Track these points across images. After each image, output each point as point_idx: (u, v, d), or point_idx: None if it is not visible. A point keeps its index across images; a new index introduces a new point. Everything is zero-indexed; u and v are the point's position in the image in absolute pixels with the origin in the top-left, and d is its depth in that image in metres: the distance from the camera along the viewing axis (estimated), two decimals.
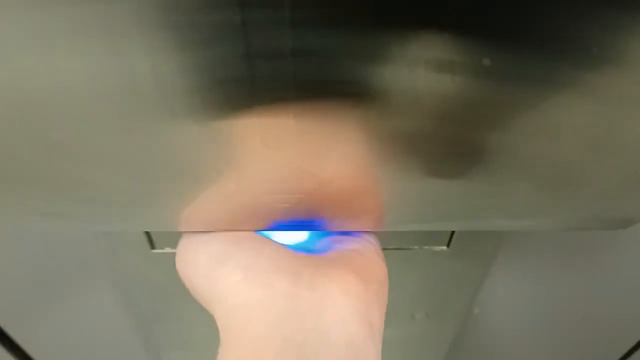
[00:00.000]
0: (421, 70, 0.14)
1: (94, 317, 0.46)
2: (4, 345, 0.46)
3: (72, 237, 0.38)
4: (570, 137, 0.17)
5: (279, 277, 0.20)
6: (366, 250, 0.24)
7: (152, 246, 0.37)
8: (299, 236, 0.26)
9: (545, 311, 0.48)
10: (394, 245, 0.37)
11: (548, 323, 0.49)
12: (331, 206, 0.20)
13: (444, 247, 0.37)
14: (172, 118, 0.15)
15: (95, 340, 0.49)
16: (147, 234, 0.36)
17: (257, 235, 0.23)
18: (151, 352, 0.50)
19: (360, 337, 0.20)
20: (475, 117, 0.16)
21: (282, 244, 0.23)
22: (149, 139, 0.16)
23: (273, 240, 0.23)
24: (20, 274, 0.42)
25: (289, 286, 0.20)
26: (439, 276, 0.40)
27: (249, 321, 0.19)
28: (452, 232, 0.36)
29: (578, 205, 0.20)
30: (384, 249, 0.38)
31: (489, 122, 0.16)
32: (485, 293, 0.44)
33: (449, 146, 0.17)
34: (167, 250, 0.37)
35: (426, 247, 0.37)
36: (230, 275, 0.20)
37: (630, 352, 0.51)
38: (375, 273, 0.23)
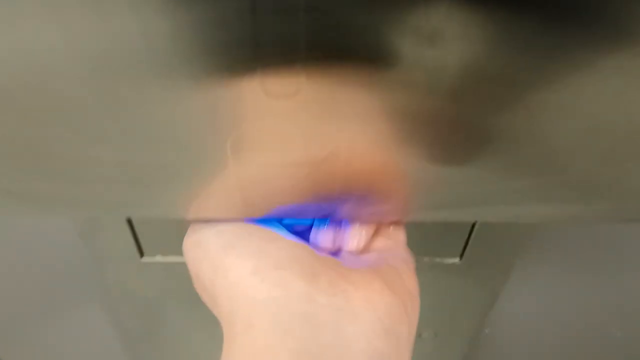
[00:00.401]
0: (441, 40, 0.13)
1: (81, 334, 0.44)
2: None
3: (58, 246, 0.36)
4: (594, 117, 0.15)
5: (293, 276, 0.17)
6: (396, 260, 0.21)
7: (142, 254, 0.34)
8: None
9: (561, 334, 0.46)
10: None
11: (564, 347, 0.47)
12: (346, 186, 0.18)
13: (457, 260, 0.35)
14: (168, 83, 0.13)
15: (83, 356, 0.47)
16: (136, 240, 0.33)
17: (272, 228, 0.20)
18: None
19: (384, 354, 0.17)
20: (495, 94, 0.14)
21: (300, 240, 0.20)
22: (139, 106, 0.14)
23: (290, 235, 0.20)
24: (4, 289, 0.40)
25: (305, 287, 0.17)
26: (450, 291, 0.37)
27: (256, 322, 0.17)
28: (466, 243, 0.34)
29: (598, 191, 0.19)
30: None
31: (511, 101, 0.15)
32: (497, 312, 0.42)
33: (469, 123, 0.15)
34: (158, 259, 0.34)
35: (437, 259, 0.35)
36: (240, 265, 0.18)
37: None
38: (405, 283, 0.20)
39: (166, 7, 0.12)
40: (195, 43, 0.12)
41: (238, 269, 0.18)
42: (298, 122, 0.15)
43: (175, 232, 0.22)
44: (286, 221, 0.22)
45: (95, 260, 0.35)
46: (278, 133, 0.15)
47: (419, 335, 0.44)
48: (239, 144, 0.15)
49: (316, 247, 0.22)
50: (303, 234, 0.22)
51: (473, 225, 0.33)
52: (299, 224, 0.23)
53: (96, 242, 0.34)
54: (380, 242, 0.22)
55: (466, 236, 0.33)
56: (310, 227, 0.23)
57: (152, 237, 0.33)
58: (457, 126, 0.15)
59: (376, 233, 0.23)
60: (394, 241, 0.23)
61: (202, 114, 0.14)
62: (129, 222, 0.32)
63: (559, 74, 0.14)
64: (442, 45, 0.13)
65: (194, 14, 0.12)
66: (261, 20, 0.12)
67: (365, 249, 0.22)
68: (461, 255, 0.34)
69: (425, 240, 0.34)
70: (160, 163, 0.16)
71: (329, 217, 0.21)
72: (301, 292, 0.17)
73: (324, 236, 0.22)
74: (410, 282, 0.20)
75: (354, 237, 0.22)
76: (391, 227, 0.23)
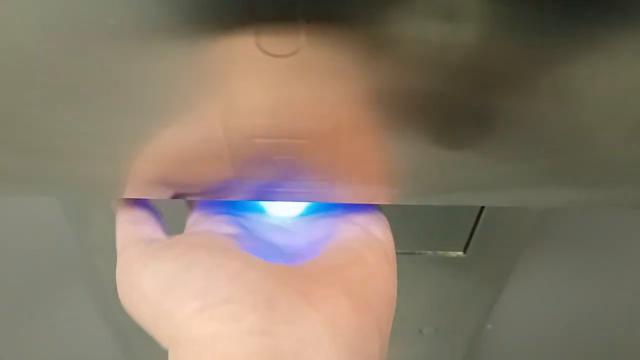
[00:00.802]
0: (450, 15, 0.12)
1: (72, 326, 0.44)
2: None
3: (49, 238, 0.36)
4: (608, 98, 0.15)
5: (246, 308, 0.15)
6: (371, 252, 0.19)
7: None
8: (289, 212, 0.22)
9: (565, 330, 0.45)
10: (403, 248, 0.34)
11: (567, 342, 0.46)
12: (336, 162, 0.16)
13: (460, 253, 0.34)
14: (155, 42, 0.12)
15: (73, 349, 0.47)
16: None
17: (216, 244, 0.18)
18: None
19: None
20: (497, 75, 0.13)
21: (251, 254, 0.18)
22: (123, 67, 0.13)
23: (238, 248, 0.18)
24: None
25: (260, 320, 0.15)
26: (453, 286, 0.37)
27: None
28: (470, 236, 0.33)
29: (611, 175, 0.18)
30: None
31: (512, 83, 0.14)
32: (500, 307, 0.41)
33: (470, 102, 0.14)
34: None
35: (440, 251, 0.34)
36: (183, 306, 0.16)
37: None
38: (378, 290, 0.18)
39: None
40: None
41: (182, 312, 0.16)
42: (298, 86, 0.13)
43: (168, 223, 0.21)
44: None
45: (87, 252, 0.34)
46: (274, 99, 0.14)
47: (419, 332, 0.43)
48: (231, 111, 0.14)
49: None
50: None
51: (478, 218, 0.32)
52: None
53: (88, 234, 0.33)
54: (357, 238, 0.20)
55: (470, 229, 0.32)
56: None
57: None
58: (464, 106, 0.14)
59: (348, 219, 0.20)
60: (374, 232, 0.20)
61: (194, 77, 0.13)
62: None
63: (573, 54, 0.13)
64: (451, 20, 0.12)
65: None
66: None
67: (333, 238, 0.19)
68: (465, 249, 0.34)
69: (428, 233, 0.33)
70: (149, 135, 0.15)
71: (310, 199, 0.20)
72: (256, 325, 0.15)
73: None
74: (384, 286, 0.18)
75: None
76: (367, 214, 0.21)
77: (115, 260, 0.34)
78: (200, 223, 0.21)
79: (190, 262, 0.17)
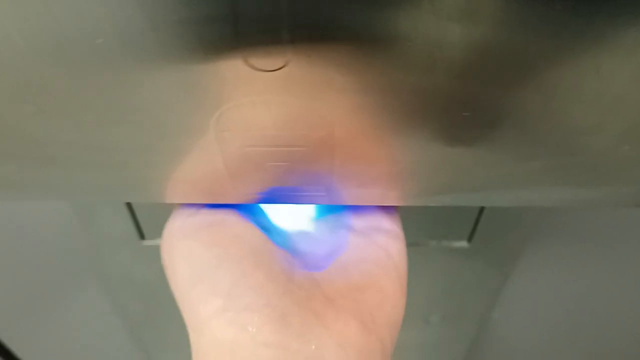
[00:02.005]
0: (432, 16, 0.12)
1: (82, 317, 0.44)
2: None
3: (58, 231, 0.36)
4: (600, 98, 0.14)
5: (263, 319, 0.16)
6: (386, 277, 0.19)
7: (142, 237, 0.33)
8: (302, 220, 0.23)
9: (570, 318, 0.45)
10: (408, 239, 0.34)
11: (573, 331, 0.46)
12: (332, 168, 0.16)
13: (465, 243, 0.34)
14: (145, 61, 0.12)
15: (85, 341, 0.47)
16: (136, 224, 0.33)
17: (248, 238, 0.19)
18: (143, 353, 0.48)
19: None
20: (495, 73, 0.13)
21: (278, 258, 0.19)
22: (115, 84, 0.13)
23: (266, 247, 0.19)
24: (4, 275, 0.39)
25: (275, 334, 0.16)
26: (458, 275, 0.37)
27: None
28: (475, 226, 0.33)
29: (611, 174, 0.18)
30: None
31: (523, 80, 0.13)
32: (506, 296, 0.41)
33: (468, 103, 0.14)
34: (159, 241, 0.34)
35: (445, 242, 0.34)
36: (207, 302, 0.17)
37: None
38: (388, 315, 0.19)
39: None
40: (175, 21, 0.11)
41: (206, 306, 0.17)
42: (289, 98, 0.14)
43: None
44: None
45: (96, 244, 0.35)
46: (266, 110, 0.14)
47: (426, 321, 0.43)
48: (223, 123, 0.14)
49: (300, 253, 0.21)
50: None
51: (482, 209, 0.32)
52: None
53: (96, 226, 0.33)
54: (370, 257, 0.20)
55: (474, 219, 0.32)
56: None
57: (153, 220, 0.32)
58: (465, 106, 0.14)
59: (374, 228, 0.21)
60: (389, 248, 0.21)
61: (184, 93, 0.13)
62: (129, 206, 0.31)
63: (574, 52, 0.13)
64: (447, 18, 0.12)
65: None
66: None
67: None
68: (469, 239, 0.34)
69: (433, 224, 0.33)
70: (145, 146, 0.15)
71: (324, 202, 0.20)
72: (270, 337, 0.16)
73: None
74: (393, 309, 0.19)
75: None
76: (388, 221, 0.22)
77: (124, 251, 0.35)
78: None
79: (221, 257, 0.18)
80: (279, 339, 0.16)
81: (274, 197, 0.19)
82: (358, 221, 0.21)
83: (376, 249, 0.20)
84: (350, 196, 0.19)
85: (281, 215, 0.22)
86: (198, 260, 0.18)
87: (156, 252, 0.35)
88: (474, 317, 0.42)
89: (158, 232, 0.33)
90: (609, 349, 0.49)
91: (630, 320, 0.45)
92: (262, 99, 0.13)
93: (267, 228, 0.21)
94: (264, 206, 0.22)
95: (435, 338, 0.44)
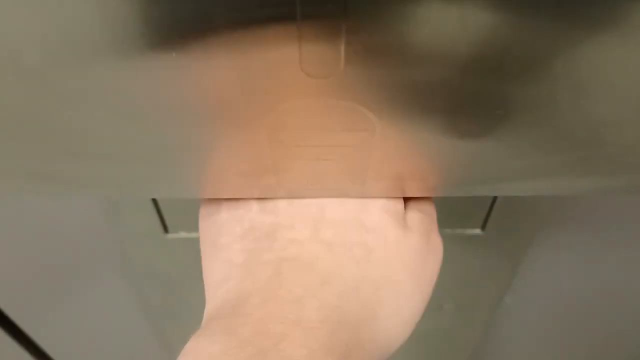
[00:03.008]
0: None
1: (106, 308, 0.45)
2: (16, 338, 0.45)
3: (85, 224, 0.37)
4: (609, 89, 0.14)
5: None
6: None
7: (166, 230, 0.35)
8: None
9: (584, 303, 0.45)
10: None
11: (586, 316, 0.47)
12: (368, 164, 0.18)
13: (478, 230, 0.34)
14: (201, 59, 0.13)
15: (109, 331, 0.48)
16: (161, 217, 0.34)
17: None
18: (165, 345, 0.49)
19: None
20: (508, 66, 0.14)
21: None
22: (158, 75, 0.14)
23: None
24: (30, 266, 0.41)
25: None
26: (472, 263, 0.37)
27: None
28: (488, 214, 0.33)
29: (625, 163, 0.18)
30: None
31: (524, 73, 0.14)
32: (520, 282, 0.42)
33: (491, 95, 0.15)
34: (182, 234, 0.35)
35: (459, 230, 0.34)
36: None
37: None
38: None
39: None
40: (230, 18, 0.12)
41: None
42: (336, 103, 0.15)
43: (198, 209, 0.23)
44: None
45: (121, 238, 0.36)
46: (316, 114, 0.15)
47: (440, 308, 0.44)
48: (277, 125, 0.15)
49: None
50: None
51: (495, 197, 0.32)
52: None
53: (121, 220, 0.34)
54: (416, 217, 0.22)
55: (488, 207, 0.33)
56: None
57: (176, 214, 0.34)
58: (480, 99, 0.15)
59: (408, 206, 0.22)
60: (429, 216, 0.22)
61: (240, 92, 0.14)
62: (154, 200, 0.32)
63: (589, 43, 0.13)
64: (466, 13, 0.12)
65: None
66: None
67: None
68: (483, 226, 0.34)
69: (446, 212, 0.34)
70: (195, 144, 0.16)
71: (356, 196, 0.21)
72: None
73: None
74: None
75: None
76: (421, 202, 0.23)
77: (148, 244, 0.36)
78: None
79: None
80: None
81: (311, 192, 0.20)
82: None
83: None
84: (375, 189, 0.20)
85: None
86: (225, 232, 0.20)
87: (179, 245, 0.36)
88: (488, 303, 0.42)
89: (181, 226, 0.35)
90: (621, 333, 0.49)
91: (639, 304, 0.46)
92: (315, 101, 0.14)
93: None
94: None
95: (449, 325, 0.44)
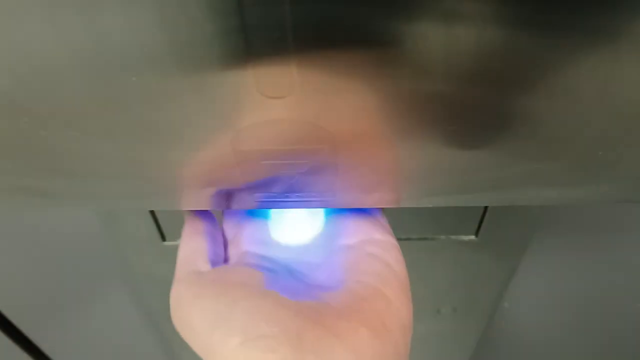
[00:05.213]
0: (438, 21, 0.12)
1: (108, 315, 0.45)
2: (18, 342, 0.46)
3: (85, 234, 0.37)
4: (603, 99, 0.15)
5: (280, 342, 0.18)
6: (389, 287, 0.21)
7: (163, 238, 0.35)
8: (302, 237, 0.24)
9: (581, 305, 0.45)
10: (418, 234, 0.35)
11: (584, 318, 0.47)
12: (343, 173, 0.18)
13: (472, 237, 0.35)
14: (161, 76, 0.14)
15: (110, 337, 0.49)
16: (158, 225, 0.34)
17: (251, 282, 0.20)
18: (164, 349, 0.49)
19: None
20: (499, 77, 0.14)
21: (282, 287, 0.20)
22: (133, 99, 0.14)
23: (268, 284, 0.20)
24: (32, 273, 0.41)
25: (292, 352, 0.18)
26: (467, 268, 0.38)
27: None
28: (481, 220, 0.34)
29: (616, 173, 0.18)
30: (407, 239, 0.36)
31: (516, 84, 0.14)
32: (516, 286, 0.42)
33: (469, 107, 0.15)
34: (179, 242, 0.35)
35: (453, 236, 0.35)
36: (228, 340, 0.18)
37: None
38: (395, 317, 0.20)
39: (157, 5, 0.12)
40: (187, 39, 0.12)
41: (227, 346, 0.18)
42: (299, 118, 0.15)
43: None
44: None
45: (120, 246, 0.36)
46: (278, 129, 0.15)
47: (437, 312, 0.44)
48: (240, 140, 0.16)
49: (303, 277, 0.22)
50: None
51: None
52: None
53: (120, 229, 0.35)
54: (371, 264, 0.21)
55: (481, 213, 0.33)
56: None
57: (173, 222, 0.34)
58: (466, 111, 0.15)
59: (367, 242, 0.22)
60: (382, 262, 0.22)
61: (204, 114, 0.15)
62: (151, 210, 0.33)
63: (573, 57, 0.13)
64: (450, 25, 0.12)
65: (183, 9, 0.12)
66: (248, 13, 0.12)
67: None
68: (476, 233, 0.34)
69: (440, 219, 0.34)
70: (169, 160, 0.17)
71: (329, 206, 0.21)
72: (290, 356, 0.17)
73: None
74: (401, 313, 0.20)
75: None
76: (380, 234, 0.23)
77: (145, 255, 0.36)
78: (233, 246, 0.24)
79: (230, 302, 0.19)
80: (298, 356, 0.17)
81: (281, 203, 0.20)
82: (350, 238, 0.23)
83: (373, 261, 0.22)
84: (354, 200, 0.20)
85: (273, 246, 0.24)
86: (211, 311, 0.19)
87: (176, 252, 0.37)
88: (484, 307, 0.43)
89: (178, 234, 0.35)
90: (616, 335, 0.49)
91: (637, 305, 0.46)
92: (274, 119, 0.15)
93: (265, 262, 0.23)
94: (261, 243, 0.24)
95: (447, 329, 0.45)
